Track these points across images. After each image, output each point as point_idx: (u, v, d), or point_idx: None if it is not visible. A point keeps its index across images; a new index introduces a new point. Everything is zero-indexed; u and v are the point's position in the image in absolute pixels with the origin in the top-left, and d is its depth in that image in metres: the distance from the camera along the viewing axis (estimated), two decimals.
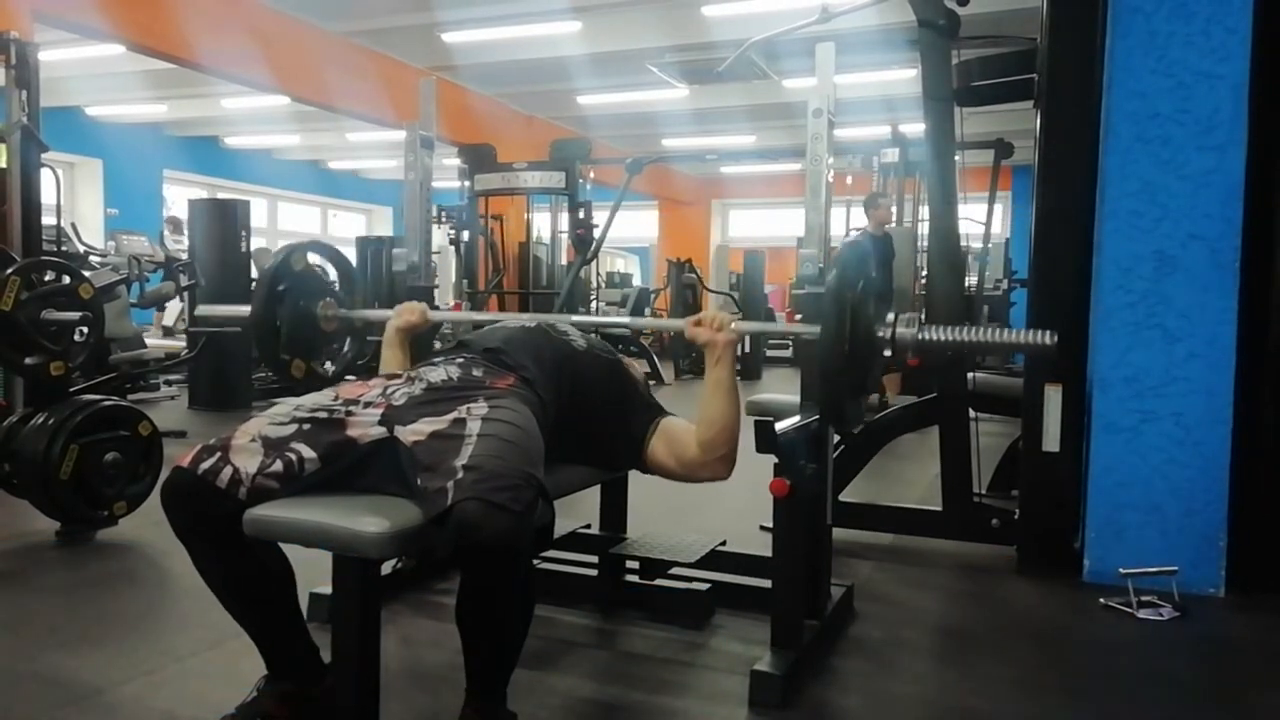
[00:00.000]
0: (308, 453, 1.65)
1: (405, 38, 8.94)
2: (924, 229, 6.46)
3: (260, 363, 7.12)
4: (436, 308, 2.40)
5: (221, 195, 11.54)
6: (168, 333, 9.95)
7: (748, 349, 10.03)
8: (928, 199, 3.48)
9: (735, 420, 1.96)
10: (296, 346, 2.35)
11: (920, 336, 2.00)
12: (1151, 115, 2.77)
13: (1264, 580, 2.77)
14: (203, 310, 2.88)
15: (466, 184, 7.93)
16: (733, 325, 2.01)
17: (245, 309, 2.40)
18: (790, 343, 11.18)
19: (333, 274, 2.55)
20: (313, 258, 2.40)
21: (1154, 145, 2.78)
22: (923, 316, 2.69)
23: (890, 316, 2.02)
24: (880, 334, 2.01)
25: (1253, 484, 2.79)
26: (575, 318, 2.20)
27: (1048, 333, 1.96)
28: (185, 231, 8.73)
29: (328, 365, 2.48)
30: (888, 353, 2.03)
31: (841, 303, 1.88)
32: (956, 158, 3.17)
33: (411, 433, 1.67)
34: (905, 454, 4.96)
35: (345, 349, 2.56)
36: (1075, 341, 2.91)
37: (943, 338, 2.01)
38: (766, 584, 2.25)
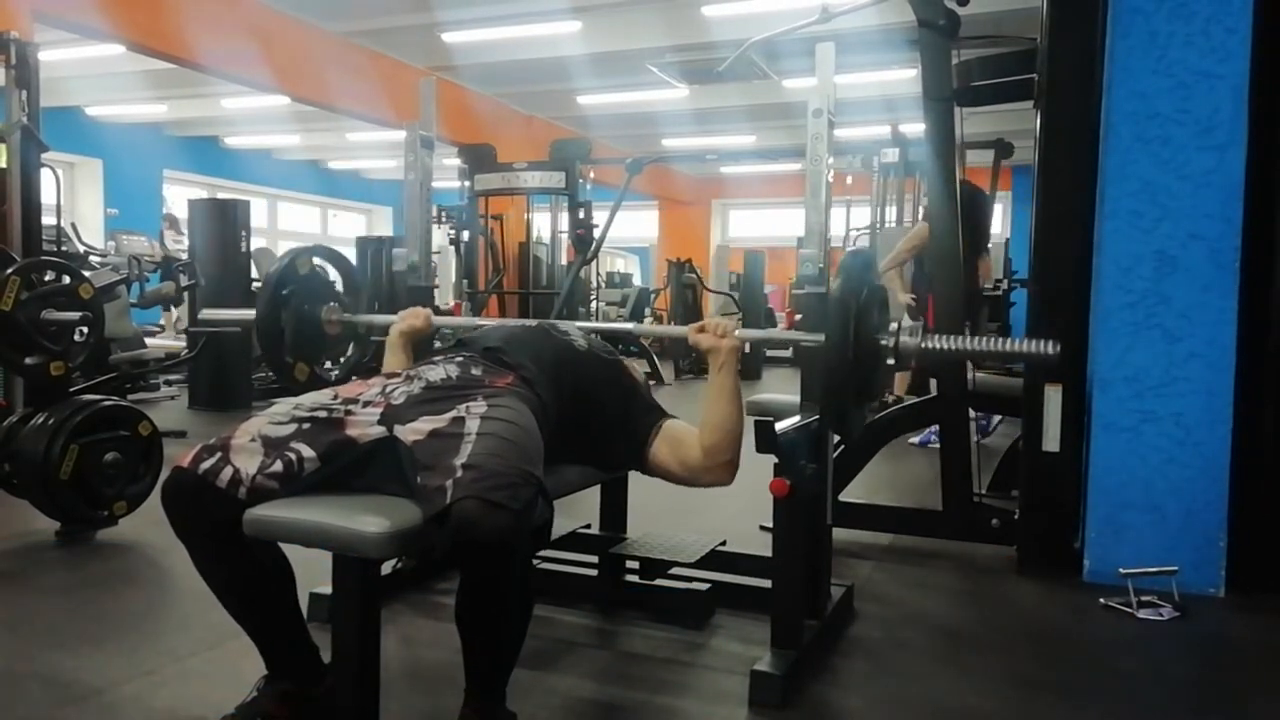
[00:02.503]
0: (307, 452, 1.65)
1: (405, 38, 8.94)
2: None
3: (260, 363, 7.13)
4: (438, 309, 2.40)
5: (221, 195, 11.55)
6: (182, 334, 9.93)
7: (748, 349, 10.04)
8: (928, 199, 3.48)
9: (739, 426, 1.96)
10: (300, 350, 2.37)
11: (924, 345, 2.00)
12: (1151, 115, 2.77)
13: (1264, 580, 2.77)
14: (207, 315, 2.88)
15: (466, 184, 7.93)
16: (736, 332, 2.02)
17: (249, 313, 2.40)
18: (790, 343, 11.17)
19: (336, 278, 2.55)
20: (317, 262, 2.41)
21: (1154, 145, 2.78)
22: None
23: (893, 325, 2.02)
24: (884, 342, 2.01)
25: (1253, 484, 2.79)
26: (578, 324, 2.21)
27: (1050, 343, 1.96)
28: (183, 230, 8.73)
29: (329, 367, 2.49)
30: (891, 361, 2.03)
31: (845, 311, 1.89)
32: (956, 158, 3.17)
33: (411, 431, 1.67)
34: (905, 454, 4.96)
35: (349, 353, 2.56)
36: (1075, 341, 2.91)
37: (946, 346, 2.02)
38: (766, 584, 2.25)
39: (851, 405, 2.01)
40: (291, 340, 2.35)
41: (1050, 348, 1.96)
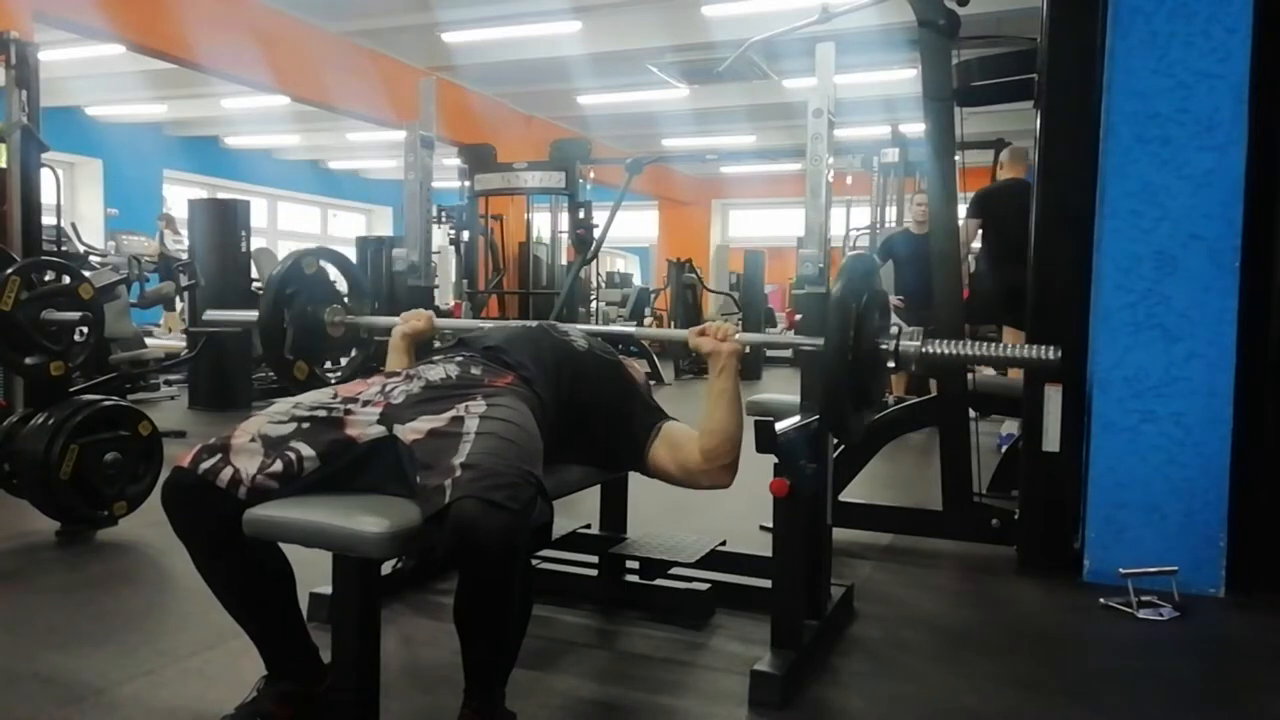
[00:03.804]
0: (307, 451, 1.65)
1: (405, 38, 8.95)
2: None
3: (260, 363, 7.13)
4: (438, 309, 2.40)
5: (221, 195, 11.56)
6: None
7: (748, 350, 10.03)
8: (927, 199, 3.48)
9: (738, 430, 1.96)
10: (302, 350, 2.37)
11: (924, 350, 2.01)
12: (1151, 115, 2.77)
13: (1264, 580, 2.77)
14: (211, 315, 2.88)
15: (466, 184, 7.94)
16: (736, 336, 2.02)
17: (251, 314, 2.40)
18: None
19: (338, 280, 2.55)
20: (322, 264, 2.41)
21: (1154, 145, 2.78)
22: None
23: (894, 329, 2.02)
24: (884, 346, 2.01)
25: (1253, 484, 2.78)
26: (579, 326, 2.21)
27: (1050, 349, 1.96)
28: (180, 230, 8.73)
29: (329, 368, 2.49)
30: (891, 365, 2.03)
31: (845, 315, 1.89)
32: (956, 158, 3.17)
33: (410, 431, 1.67)
34: (905, 454, 4.96)
35: (352, 355, 2.56)
36: (1075, 341, 2.91)
37: (946, 352, 2.02)
38: (766, 584, 2.25)
39: (851, 409, 2.01)
40: (294, 341, 2.35)
41: (1050, 354, 1.96)
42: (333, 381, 2.26)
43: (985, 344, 2.06)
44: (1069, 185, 2.94)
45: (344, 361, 2.72)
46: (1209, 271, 2.73)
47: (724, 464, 1.95)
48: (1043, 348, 1.98)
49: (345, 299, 2.51)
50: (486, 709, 1.63)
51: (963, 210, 4.37)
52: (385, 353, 2.32)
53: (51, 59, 7.53)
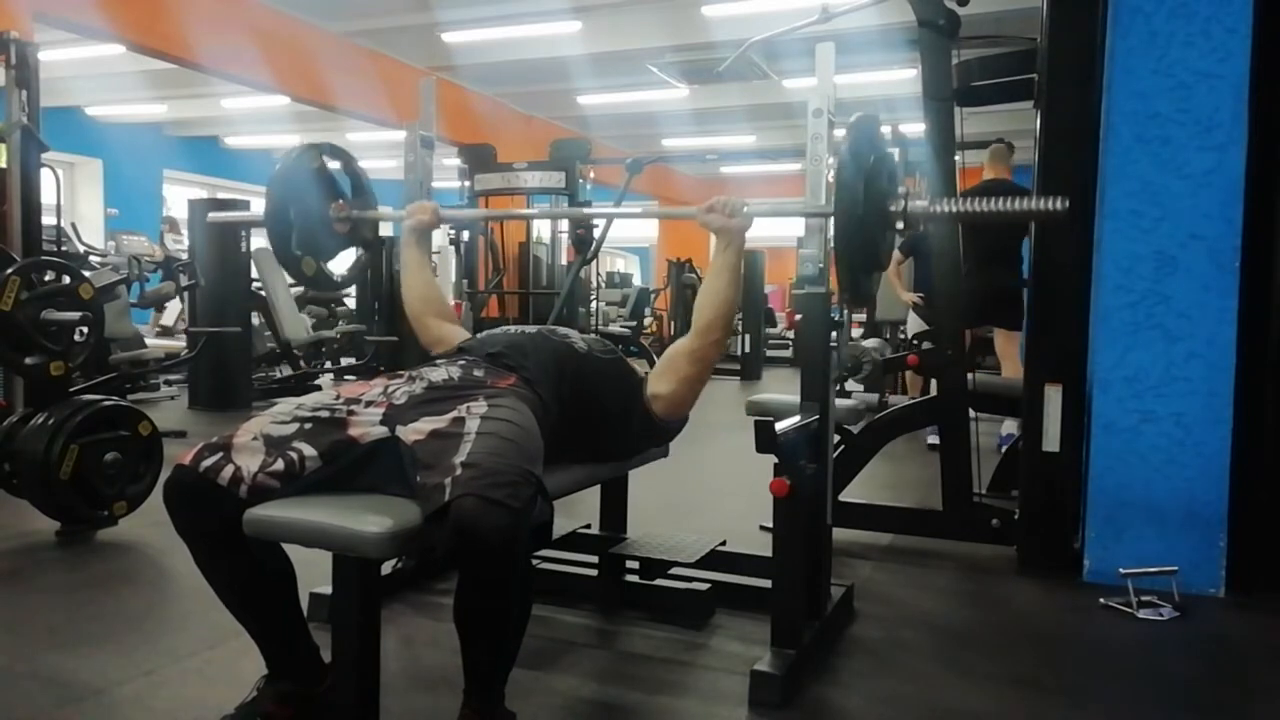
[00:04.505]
0: (309, 451, 1.65)
1: (405, 38, 8.94)
2: None
3: (260, 363, 7.14)
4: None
5: (221, 195, 11.55)
6: (165, 332, 9.94)
7: (748, 349, 10.04)
8: (928, 199, 3.47)
9: (734, 306, 2.10)
10: (308, 246, 2.37)
11: (932, 209, 2.07)
12: (1151, 115, 2.77)
13: (1264, 580, 2.77)
14: (214, 217, 2.88)
15: (466, 184, 7.94)
16: (745, 210, 2.06)
17: (256, 215, 2.40)
18: (790, 343, 11.18)
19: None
20: (326, 159, 2.40)
21: (1154, 145, 2.78)
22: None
23: (902, 189, 2.05)
24: (892, 207, 2.06)
25: (1253, 484, 2.78)
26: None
27: (1057, 199, 1.94)
28: (182, 231, 8.73)
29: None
30: (900, 225, 2.09)
31: (858, 168, 1.92)
32: (957, 158, 3.17)
33: (412, 431, 1.67)
34: (905, 454, 4.96)
35: (359, 255, 2.57)
36: (1075, 341, 2.91)
37: (953, 209, 2.07)
38: (766, 584, 2.25)
39: (862, 273, 2.06)
40: (299, 237, 2.34)
41: (1057, 204, 1.93)
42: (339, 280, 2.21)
43: (991, 199, 2.01)
44: (1069, 185, 2.94)
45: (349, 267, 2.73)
46: (1209, 271, 2.74)
47: (715, 339, 2.05)
48: (1049, 198, 1.95)
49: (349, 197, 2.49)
50: (486, 709, 1.63)
51: None
52: (385, 353, 2.32)
53: (51, 59, 7.52)
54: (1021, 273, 5.24)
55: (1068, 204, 1.93)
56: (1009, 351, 4.95)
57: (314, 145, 2.40)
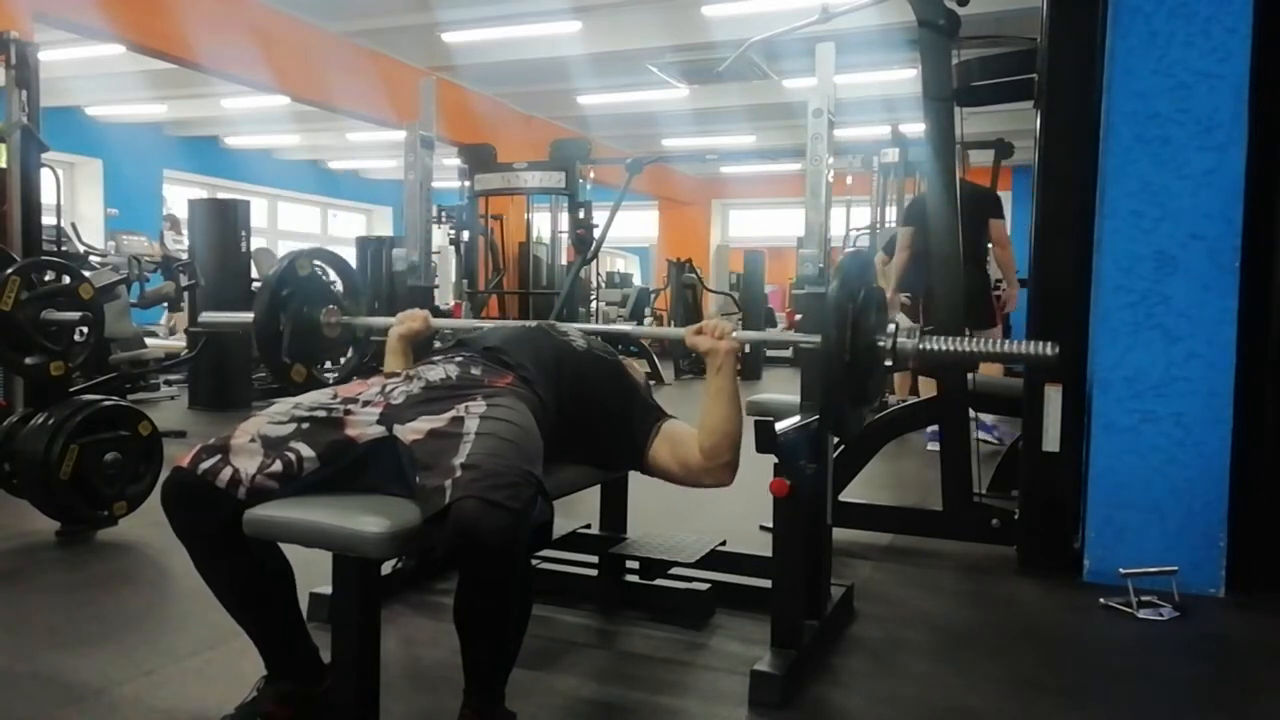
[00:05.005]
0: (307, 452, 1.65)
1: (405, 38, 8.94)
2: None
3: (260, 363, 7.13)
4: (437, 309, 2.40)
5: (221, 195, 11.55)
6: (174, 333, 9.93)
7: (748, 349, 10.04)
8: (928, 199, 3.48)
9: (738, 427, 1.96)
10: (299, 352, 2.36)
11: (921, 347, 2.00)
12: (1151, 115, 2.77)
13: (1264, 580, 2.77)
14: (207, 318, 2.88)
15: (466, 184, 7.94)
16: (734, 334, 2.01)
17: (248, 316, 2.40)
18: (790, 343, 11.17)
19: (335, 281, 2.55)
20: (317, 264, 2.41)
21: (1154, 145, 2.78)
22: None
23: (891, 326, 2.02)
24: (881, 344, 2.01)
25: (1253, 484, 2.78)
26: (578, 325, 2.21)
27: (1048, 344, 1.96)
28: (184, 230, 8.73)
29: (328, 368, 2.49)
30: (889, 363, 2.03)
31: (842, 312, 1.89)
32: (956, 158, 3.17)
33: (410, 431, 1.67)
34: (905, 454, 4.96)
35: (348, 355, 2.56)
36: (1075, 341, 2.91)
37: (943, 348, 2.02)
38: (766, 584, 2.24)
39: (850, 407, 2.01)
40: (290, 342, 2.35)
41: (1048, 349, 1.96)
42: (331, 381, 2.26)
43: (982, 340, 2.06)
44: (1069, 185, 2.94)
45: (342, 361, 2.72)
46: (1209, 271, 2.73)
47: (724, 462, 1.95)
48: (1041, 343, 1.97)
49: (342, 301, 2.51)
50: (486, 709, 1.63)
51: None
52: (384, 353, 2.32)
53: (51, 59, 7.52)
54: (988, 272, 5.27)
55: (1057, 349, 1.97)
56: None
57: (304, 252, 2.41)
